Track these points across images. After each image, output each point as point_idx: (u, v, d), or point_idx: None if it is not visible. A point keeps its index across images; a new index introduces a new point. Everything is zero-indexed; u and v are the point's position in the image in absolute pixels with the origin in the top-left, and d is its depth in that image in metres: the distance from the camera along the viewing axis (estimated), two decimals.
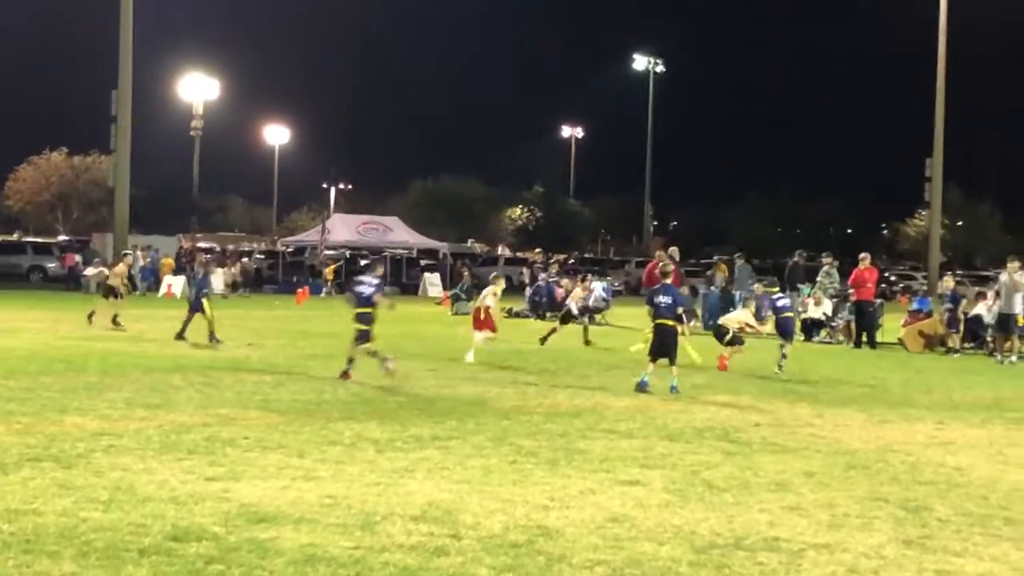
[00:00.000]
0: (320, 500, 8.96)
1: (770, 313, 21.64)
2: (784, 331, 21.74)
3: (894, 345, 28.91)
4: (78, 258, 53.15)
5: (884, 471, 11.13)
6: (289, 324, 29.41)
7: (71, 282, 50.94)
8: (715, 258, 39.97)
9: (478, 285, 46.40)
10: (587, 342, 25.83)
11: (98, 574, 6.94)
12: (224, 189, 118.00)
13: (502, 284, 23.21)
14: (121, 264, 30.16)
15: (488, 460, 10.97)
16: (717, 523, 8.69)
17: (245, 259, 59.11)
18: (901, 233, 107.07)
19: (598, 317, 35.76)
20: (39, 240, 72.83)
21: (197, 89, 78.69)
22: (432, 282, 55.27)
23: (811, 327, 30.87)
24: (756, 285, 34.37)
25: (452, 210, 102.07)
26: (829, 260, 32.16)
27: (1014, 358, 25.21)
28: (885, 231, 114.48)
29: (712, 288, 35.31)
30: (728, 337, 21.31)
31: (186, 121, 79.23)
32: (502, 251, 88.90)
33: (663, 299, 17.50)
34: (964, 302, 29.36)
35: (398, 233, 68.98)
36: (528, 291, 39.70)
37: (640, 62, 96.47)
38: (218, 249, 65.02)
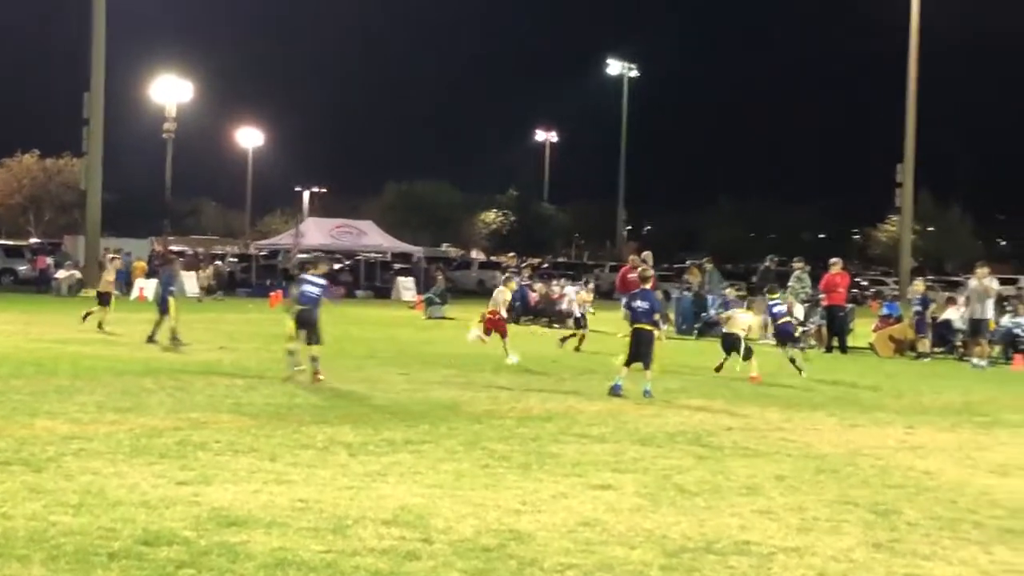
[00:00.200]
0: (292, 504, 8.95)
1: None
2: (783, 336, 22.26)
3: (865, 350, 29.06)
4: (49, 261, 52.94)
5: (854, 475, 11.20)
6: (262, 328, 29.32)
7: (42, 285, 50.69)
8: (688, 262, 40.12)
9: (451, 289, 46.55)
10: (578, 348, 25.69)
11: None
12: (197, 192, 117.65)
13: (513, 285, 23.55)
14: (111, 268, 30.03)
15: (460, 464, 10.97)
16: (688, 527, 8.72)
17: (218, 262, 58.93)
18: (872, 238, 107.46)
19: (571, 321, 35.88)
20: (10, 243, 72.38)
21: (170, 91, 78.29)
22: (406, 286, 55.27)
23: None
24: (728, 289, 34.67)
25: (426, 214, 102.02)
26: (801, 265, 32.27)
27: (984, 362, 25.37)
28: (857, 236, 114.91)
29: (685, 292, 35.41)
30: (744, 351, 20.70)
31: (159, 124, 78.84)
32: (476, 255, 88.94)
33: (641, 304, 17.56)
34: (934, 306, 29.56)
35: (372, 237, 68.89)
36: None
37: (614, 67, 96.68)
38: (190, 252, 64.77)
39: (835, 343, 28.95)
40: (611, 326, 27.57)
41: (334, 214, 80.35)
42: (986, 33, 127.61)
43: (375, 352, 23.68)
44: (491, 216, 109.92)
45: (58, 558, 7.26)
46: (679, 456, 11.93)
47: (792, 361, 21.54)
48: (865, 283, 70.46)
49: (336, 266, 59.51)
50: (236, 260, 66.61)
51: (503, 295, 22.97)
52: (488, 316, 22.39)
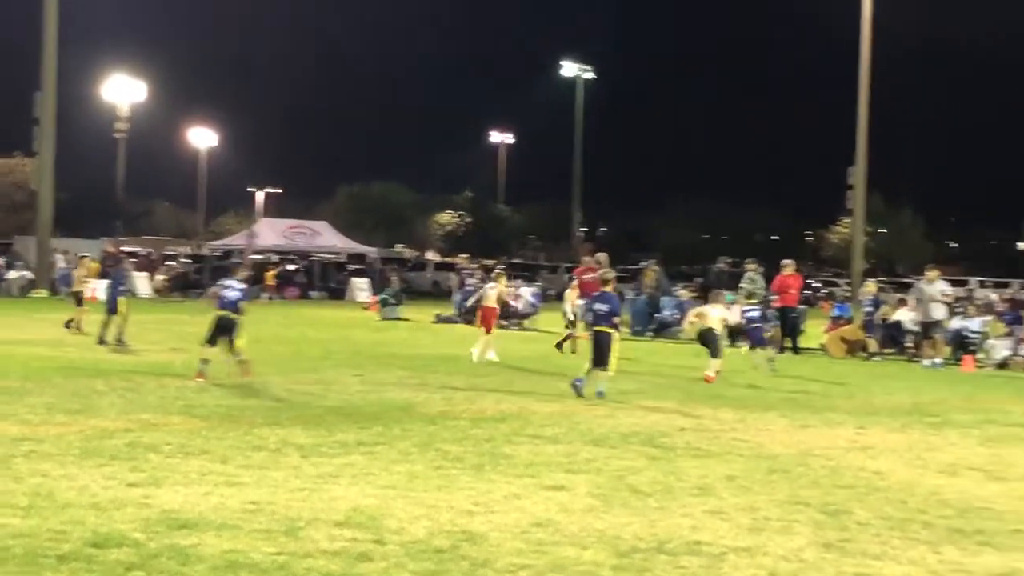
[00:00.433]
0: (243, 506, 8.92)
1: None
2: (754, 339, 23.17)
3: (817, 351, 29.25)
4: (1, 261, 52.35)
5: (805, 475, 11.28)
6: None
7: None
8: (642, 264, 40.25)
9: (406, 290, 46.45)
10: (559, 346, 25.52)
11: None
12: (150, 192, 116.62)
13: (504, 281, 25.02)
14: (82, 268, 29.80)
15: (414, 465, 10.97)
16: (640, 527, 8.75)
17: (171, 263, 58.57)
18: (825, 240, 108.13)
19: (526, 322, 35.92)
20: None
21: (122, 91, 77.86)
22: (360, 287, 55.10)
23: (735, 333, 31.11)
24: (682, 291, 34.83)
25: (381, 215, 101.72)
26: (753, 266, 32.41)
27: (939, 360, 25.56)
28: (809, 238, 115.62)
29: (639, 294, 35.51)
30: (714, 349, 20.82)
31: (111, 123, 78.34)
32: (431, 256, 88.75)
33: (601, 306, 17.64)
34: (885, 308, 29.79)
35: (326, 237, 68.67)
36: (457, 296, 39.64)
37: (569, 69, 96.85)
38: (143, 253, 64.30)
39: (787, 344, 29.11)
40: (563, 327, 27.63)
41: (288, 215, 79.95)
42: (938, 36, 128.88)
43: (329, 353, 23.61)
44: (446, 217, 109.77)
45: (6, 561, 7.20)
46: (632, 457, 11.97)
47: (768, 360, 22.69)
48: (817, 284, 70.85)
49: (290, 267, 59.34)
50: (189, 261, 66.19)
51: (495, 291, 23.92)
52: (481, 311, 23.45)
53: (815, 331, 30.70)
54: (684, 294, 35.09)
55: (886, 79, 65.78)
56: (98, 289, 46.32)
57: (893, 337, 28.91)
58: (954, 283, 33.18)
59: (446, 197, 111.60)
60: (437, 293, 58.68)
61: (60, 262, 49.68)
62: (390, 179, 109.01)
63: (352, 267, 63.58)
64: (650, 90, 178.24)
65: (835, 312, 32.18)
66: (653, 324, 33.26)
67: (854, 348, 28.66)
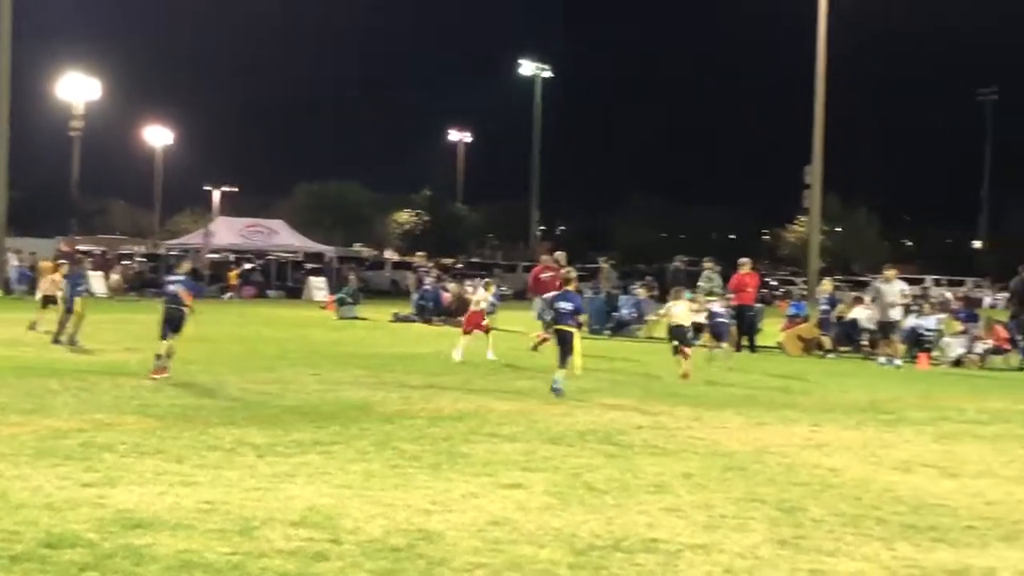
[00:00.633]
0: (197, 506, 8.87)
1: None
2: (718, 334, 24.00)
3: (774, 349, 29.40)
4: None
5: (761, 472, 11.32)
6: None
7: None
8: (600, 262, 40.32)
9: (364, 289, 46.34)
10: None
11: None
12: (105, 191, 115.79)
13: (492, 288, 25.21)
14: (57, 273, 29.47)
15: (370, 464, 10.94)
16: (597, 525, 8.76)
17: (126, 262, 58.18)
18: (781, 239, 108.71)
19: (485, 322, 35.87)
20: None
21: (77, 89, 77.33)
22: (317, 286, 54.94)
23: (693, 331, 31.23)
24: (640, 289, 34.94)
25: (339, 214, 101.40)
26: (711, 265, 32.52)
27: (897, 361, 25.71)
28: (766, 237, 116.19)
29: (598, 293, 35.59)
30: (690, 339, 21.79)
31: (66, 121, 77.79)
32: (389, 255, 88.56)
33: (564, 305, 17.72)
34: (841, 306, 29.98)
35: (283, 236, 68.33)
36: (414, 295, 39.61)
37: (527, 67, 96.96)
38: (98, 252, 63.81)
39: (744, 342, 29.24)
40: (522, 326, 27.68)
41: (245, 213, 79.53)
42: (893, 36, 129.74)
43: (286, 352, 23.53)
44: (404, 216, 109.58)
45: None
46: (589, 455, 11.99)
47: (726, 358, 23.87)
48: (774, 283, 71.28)
49: (247, 266, 59.08)
50: (145, 260, 65.77)
51: (484, 297, 24.44)
52: (469, 315, 23.83)
53: (772, 329, 30.86)
54: (641, 293, 35.20)
55: (842, 78, 66.16)
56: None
57: (849, 335, 29.10)
58: (909, 281, 33.38)
59: (404, 196, 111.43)
60: (395, 292, 58.57)
61: (13, 260, 49.29)
62: (348, 178, 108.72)
63: (309, 266, 63.39)
64: (608, 89, 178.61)
65: (791, 311, 32.35)
66: (611, 323, 33.33)
67: (810, 346, 28.84)
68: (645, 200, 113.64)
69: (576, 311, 17.87)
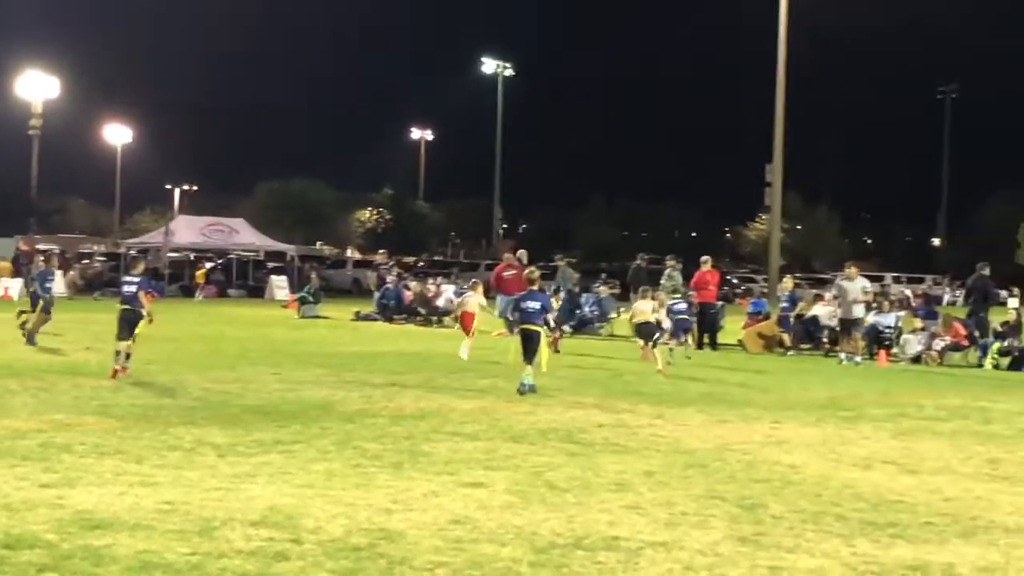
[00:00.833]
0: (157, 506, 8.82)
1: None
2: (680, 329, 24.36)
3: (735, 346, 29.52)
4: None
5: (721, 470, 11.37)
6: None
7: None
8: (557, 260, 40.25)
9: (325, 288, 46.18)
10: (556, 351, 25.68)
11: None
12: (64, 190, 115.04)
13: (480, 290, 25.29)
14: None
15: (332, 464, 10.91)
16: (558, 523, 8.78)
17: (85, 260, 57.79)
18: (743, 237, 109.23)
19: (448, 320, 35.87)
20: None
21: (36, 87, 76.72)
22: (279, 285, 54.75)
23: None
24: (601, 287, 35.02)
25: (300, 212, 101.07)
26: (673, 263, 32.63)
27: (858, 359, 25.84)
28: (728, 235, 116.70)
29: (560, 291, 35.57)
30: (656, 337, 22.46)
31: (24, 120, 77.17)
32: (351, 254, 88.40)
33: (531, 304, 17.76)
34: (801, 304, 30.13)
35: (244, 235, 68.00)
36: (376, 294, 39.52)
37: (489, 65, 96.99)
38: (58, 251, 63.35)
39: (706, 340, 29.35)
40: (485, 324, 27.64)
41: (205, 212, 79.15)
42: (853, 35, 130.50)
43: (247, 352, 23.44)
44: (366, 215, 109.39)
45: None
46: (551, 453, 12.00)
47: (685, 346, 24.79)
48: (736, 281, 71.57)
49: (208, 265, 58.76)
50: (104, 259, 65.36)
51: (475, 299, 24.44)
52: (461, 315, 24.12)
53: (733, 327, 30.97)
54: (604, 291, 35.26)
55: (803, 77, 66.53)
56: (11, 288, 45.88)
57: (809, 332, 29.24)
58: (869, 279, 33.55)
59: (366, 194, 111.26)
60: (357, 291, 58.44)
61: None
62: (310, 176, 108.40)
63: (271, 265, 63.14)
64: (569, 87, 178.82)
65: (751, 308, 32.47)
66: (573, 321, 33.35)
67: (771, 344, 28.97)
68: (608, 198, 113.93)
69: (544, 309, 17.97)
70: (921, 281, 75.43)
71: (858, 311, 26.39)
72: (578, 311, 33.67)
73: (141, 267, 20.08)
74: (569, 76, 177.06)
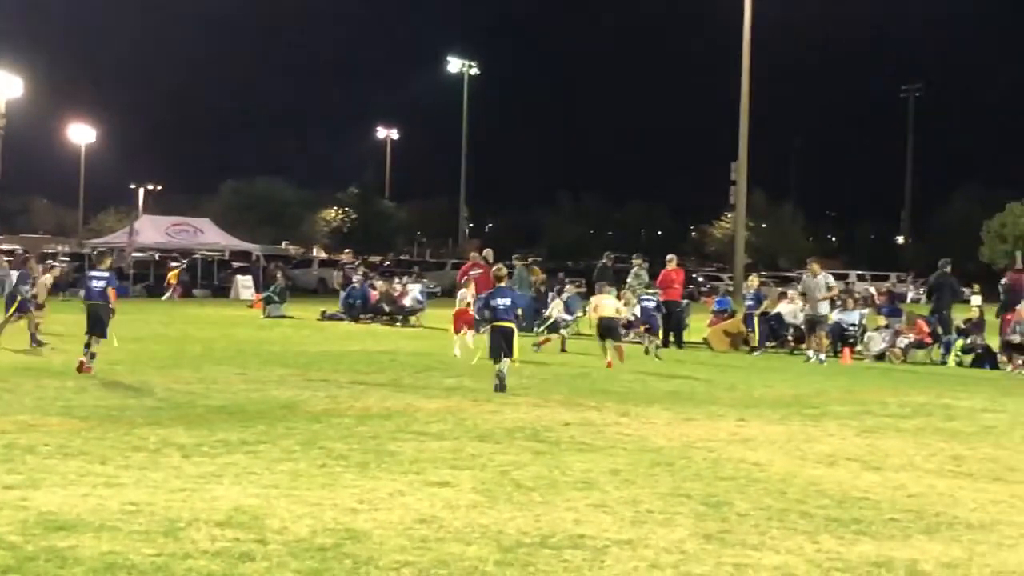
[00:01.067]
0: (122, 507, 8.78)
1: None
2: (651, 327, 25.45)
3: (700, 345, 29.61)
4: None
5: (687, 467, 11.40)
6: None
7: None
8: (530, 260, 40.27)
9: (291, 287, 46.04)
10: (563, 350, 26.07)
11: None
12: (28, 190, 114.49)
13: (472, 286, 25.73)
14: (48, 276, 28.99)
15: (297, 464, 10.88)
16: (524, 522, 8.78)
17: (50, 260, 57.36)
18: (708, 235, 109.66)
19: (412, 319, 35.84)
20: None
21: None
22: (244, 284, 54.53)
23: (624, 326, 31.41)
24: (569, 286, 35.04)
25: (265, 212, 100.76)
26: (639, 261, 32.71)
27: (823, 356, 25.96)
28: (693, 233, 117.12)
29: (528, 290, 35.58)
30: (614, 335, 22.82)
31: None
32: (317, 253, 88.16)
33: (501, 301, 17.84)
34: (766, 302, 30.24)
35: (209, 235, 67.68)
36: (342, 294, 39.42)
37: (454, 64, 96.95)
38: (20, 252, 62.91)
39: (671, 338, 29.42)
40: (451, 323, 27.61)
41: (170, 212, 78.84)
42: (818, 33, 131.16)
43: (212, 351, 23.35)
44: (332, 214, 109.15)
45: None
46: (517, 452, 12.00)
47: (655, 346, 25.53)
48: (701, 279, 71.82)
49: (173, 265, 58.46)
50: (68, 259, 64.95)
51: (467, 294, 25.09)
52: (458, 313, 24.21)
53: (698, 325, 31.07)
54: (571, 289, 35.28)
55: (768, 75, 66.78)
56: None
57: (774, 330, 29.34)
58: (834, 276, 33.73)
59: (332, 194, 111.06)
60: (323, 290, 58.29)
61: None
62: (275, 175, 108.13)
63: (236, 265, 62.87)
64: (535, 86, 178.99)
65: (716, 306, 32.57)
66: (539, 320, 33.34)
67: (736, 342, 29.09)
68: (574, 197, 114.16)
69: (514, 305, 18.14)
70: (885, 279, 75.82)
71: (823, 308, 26.49)
72: (545, 311, 33.65)
73: (108, 262, 19.75)
74: (536, 74, 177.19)
